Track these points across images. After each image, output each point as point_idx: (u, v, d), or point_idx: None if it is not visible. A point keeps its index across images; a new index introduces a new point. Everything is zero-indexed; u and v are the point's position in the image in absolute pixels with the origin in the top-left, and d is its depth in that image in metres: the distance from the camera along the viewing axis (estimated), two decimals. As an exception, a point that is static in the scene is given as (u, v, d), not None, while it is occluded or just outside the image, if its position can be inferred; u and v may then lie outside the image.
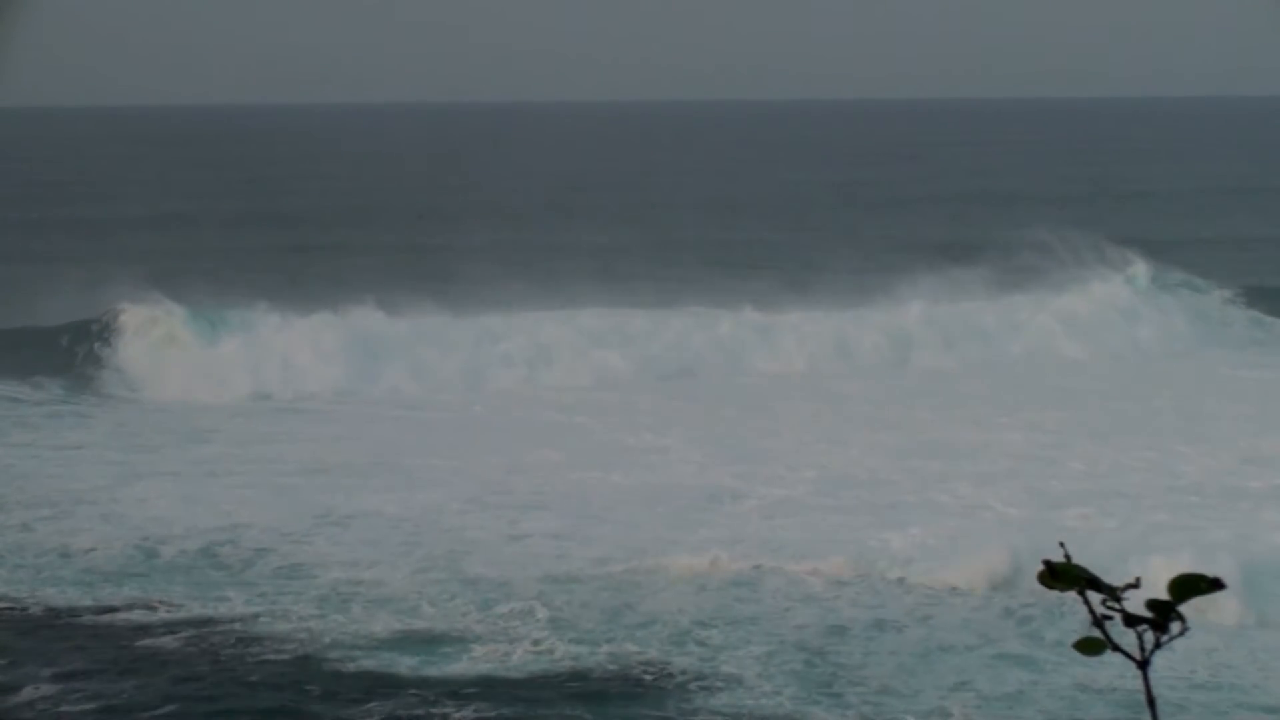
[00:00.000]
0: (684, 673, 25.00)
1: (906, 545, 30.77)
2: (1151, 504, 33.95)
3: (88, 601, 28.76)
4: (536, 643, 26.32)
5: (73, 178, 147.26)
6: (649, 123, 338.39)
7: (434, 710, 23.77)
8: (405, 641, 26.52)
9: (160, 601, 28.66)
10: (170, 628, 27.29)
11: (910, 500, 34.77)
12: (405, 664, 25.57)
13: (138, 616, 27.93)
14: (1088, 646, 3.48)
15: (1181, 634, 3.42)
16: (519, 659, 25.71)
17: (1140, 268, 61.14)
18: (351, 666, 25.49)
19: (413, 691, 24.42)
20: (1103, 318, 56.95)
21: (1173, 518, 32.67)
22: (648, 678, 24.90)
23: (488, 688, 24.50)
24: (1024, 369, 52.57)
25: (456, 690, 24.39)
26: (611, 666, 25.36)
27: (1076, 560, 3.42)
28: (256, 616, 27.83)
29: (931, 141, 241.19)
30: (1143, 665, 3.45)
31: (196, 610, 28.21)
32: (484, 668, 25.37)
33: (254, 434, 42.98)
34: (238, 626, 27.35)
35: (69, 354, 51.72)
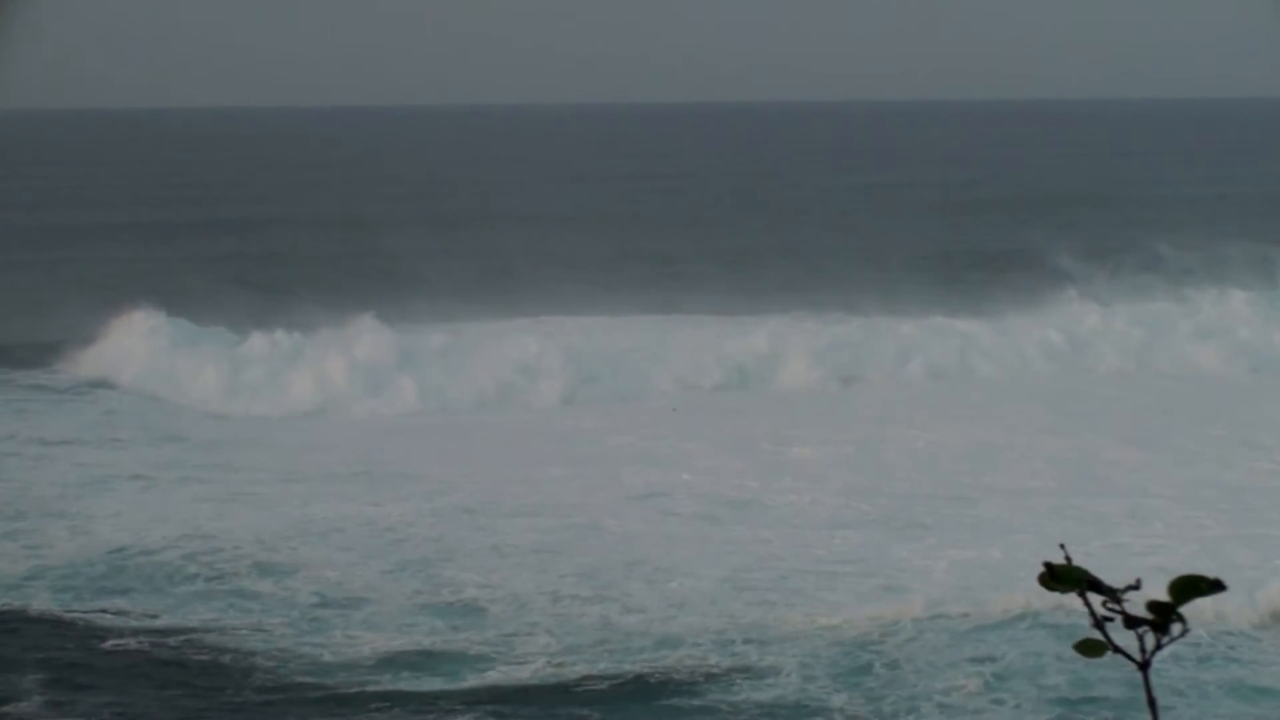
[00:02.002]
0: (675, 682, 24.67)
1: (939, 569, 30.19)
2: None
3: (59, 612, 28.41)
4: (532, 657, 25.98)
5: (68, 183, 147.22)
6: (665, 124, 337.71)
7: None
8: (389, 658, 26.11)
9: (134, 613, 28.34)
10: (145, 640, 26.96)
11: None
12: (388, 681, 25.17)
13: (112, 624, 27.65)
14: (1088, 648, 3.49)
15: (1182, 635, 3.43)
16: (509, 674, 25.32)
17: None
18: (332, 683, 25.14)
19: (394, 708, 24.04)
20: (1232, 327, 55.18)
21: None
22: (639, 685, 24.63)
23: (470, 704, 24.09)
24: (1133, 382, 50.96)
25: (439, 705, 24.02)
26: (602, 677, 25.00)
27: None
28: (234, 629, 27.46)
29: (976, 142, 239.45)
30: (1143, 667, 3.46)
31: (171, 621, 27.87)
32: (470, 683, 24.96)
33: (234, 441, 42.34)
34: (210, 638, 26.99)
35: (58, 357, 51.58)
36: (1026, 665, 25.07)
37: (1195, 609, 3.43)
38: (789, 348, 52.27)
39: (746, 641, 26.39)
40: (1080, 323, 55.70)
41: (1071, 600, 3.46)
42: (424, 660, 26.02)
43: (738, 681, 24.84)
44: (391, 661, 25.96)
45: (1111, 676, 23.63)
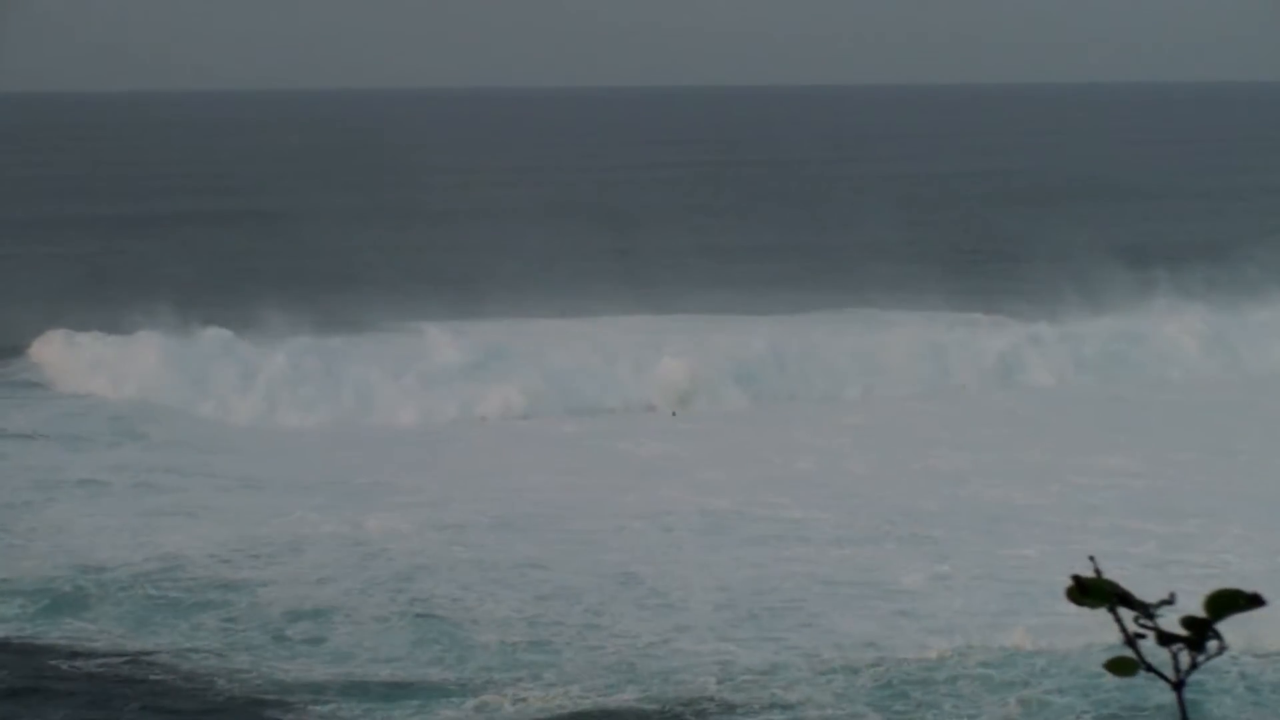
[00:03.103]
0: (675, 716, 23.89)
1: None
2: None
3: (10, 633, 27.70)
4: (515, 688, 25.00)
5: (34, 172, 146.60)
6: (673, 108, 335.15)
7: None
8: (358, 685, 25.29)
9: (91, 633, 27.62)
10: (100, 662, 26.30)
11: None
12: (356, 711, 24.36)
13: (67, 646, 26.97)
14: (1119, 666, 3.40)
15: (1219, 653, 3.33)
16: (490, 709, 24.42)
17: None
18: (296, 709, 24.40)
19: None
20: None
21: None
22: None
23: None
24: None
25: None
26: (593, 714, 24.15)
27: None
28: (194, 652, 26.65)
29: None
30: (1178, 687, 3.37)
31: (132, 645, 27.09)
32: (444, 716, 24.13)
33: (202, 446, 41.30)
34: (164, 659, 26.26)
35: (19, 354, 51.05)
36: (1073, 687, 24.59)
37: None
38: (793, 349, 50.63)
39: (756, 673, 25.44)
40: (1125, 326, 53.49)
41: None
42: (395, 690, 25.17)
43: (751, 716, 24.01)
44: (360, 688, 25.18)
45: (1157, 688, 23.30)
